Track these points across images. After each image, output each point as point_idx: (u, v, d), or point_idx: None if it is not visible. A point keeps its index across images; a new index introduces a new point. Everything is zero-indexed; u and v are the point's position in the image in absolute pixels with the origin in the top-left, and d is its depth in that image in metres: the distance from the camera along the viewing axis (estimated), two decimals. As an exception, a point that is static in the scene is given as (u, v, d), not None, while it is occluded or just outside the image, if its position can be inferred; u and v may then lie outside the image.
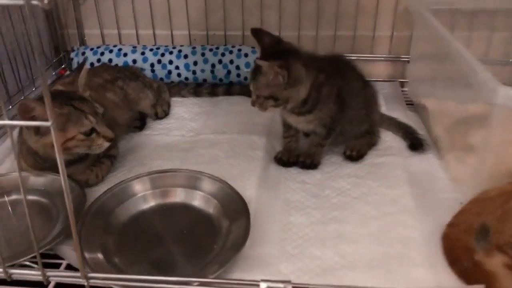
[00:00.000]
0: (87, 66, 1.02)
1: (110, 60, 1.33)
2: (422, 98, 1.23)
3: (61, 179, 0.53)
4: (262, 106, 0.92)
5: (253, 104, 0.94)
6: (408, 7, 1.28)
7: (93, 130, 0.88)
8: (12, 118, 1.14)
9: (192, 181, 0.88)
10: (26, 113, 0.81)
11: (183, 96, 1.31)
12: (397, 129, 1.12)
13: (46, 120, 0.51)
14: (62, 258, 0.78)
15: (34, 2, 0.46)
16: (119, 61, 1.33)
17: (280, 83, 0.89)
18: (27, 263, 0.71)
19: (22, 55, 1.23)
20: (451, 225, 0.79)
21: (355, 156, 1.02)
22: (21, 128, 0.89)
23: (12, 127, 0.56)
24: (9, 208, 0.89)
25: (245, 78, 1.32)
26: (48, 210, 0.87)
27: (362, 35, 1.37)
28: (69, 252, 0.77)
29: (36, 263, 0.73)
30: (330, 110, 0.95)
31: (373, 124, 1.05)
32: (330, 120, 0.97)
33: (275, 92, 0.90)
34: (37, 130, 0.85)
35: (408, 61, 1.38)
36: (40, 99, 0.84)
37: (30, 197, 0.87)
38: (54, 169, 0.90)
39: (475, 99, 0.93)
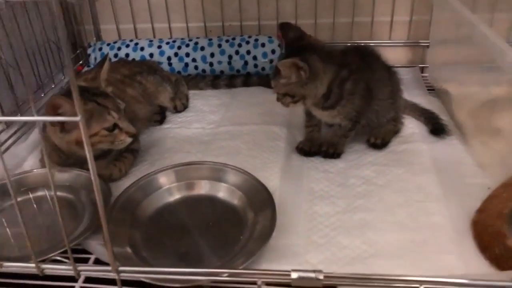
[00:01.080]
0: (100, 60, 1.02)
1: (127, 55, 1.33)
2: (443, 83, 1.21)
3: (91, 174, 0.53)
4: (284, 103, 0.94)
5: (278, 100, 0.96)
6: (427, -10, 1.26)
7: (115, 126, 0.88)
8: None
9: (217, 173, 0.88)
10: (53, 110, 0.81)
11: (201, 89, 1.30)
12: (419, 114, 1.10)
13: (73, 115, 0.53)
14: (89, 253, 0.79)
15: (60, -3, 0.46)
16: (136, 55, 1.33)
17: (296, 81, 0.89)
18: (58, 258, 0.72)
19: (40, 52, 1.24)
20: (480, 211, 0.78)
21: (379, 144, 1.01)
22: (45, 125, 0.90)
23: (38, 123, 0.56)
24: (34, 205, 0.89)
25: (263, 69, 1.31)
26: (73, 206, 0.88)
27: (380, 20, 1.35)
28: (98, 247, 0.78)
29: (66, 258, 0.74)
30: (355, 105, 0.95)
31: (398, 111, 1.04)
32: (355, 114, 0.96)
33: (292, 89, 0.91)
34: (62, 127, 0.86)
35: (427, 46, 1.35)
36: (65, 95, 0.85)
37: (57, 193, 0.88)
38: (78, 165, 0.91)
39: (499, 82, 0.91)
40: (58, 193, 0.89)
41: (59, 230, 0.80)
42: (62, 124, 0.85)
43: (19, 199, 0.88)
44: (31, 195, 0.91)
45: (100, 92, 0.90)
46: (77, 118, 0.52)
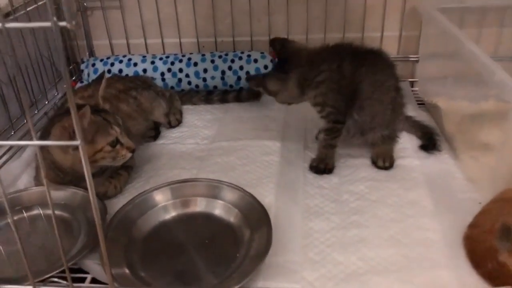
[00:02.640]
0: (96, 77, 1.02)
1: (120, 71, 1.33)
2: (433, 97, 1.24)
3: (90, 194, 0.54)
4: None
5: None
6: (416, 7, 1.28)
7: (117, 141, 0.89)
8: (26, 133, 1.16)
9: (212, 190, 0.89)
10: (67, 131, 0.83)
11: (195, 104, 1.31)
12: (416, 129, 1.12)
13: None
14: (85, 272, 0.79)
15: (62, 24, 0.46)
16: (129, 71, 1.33)
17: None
18: (55, 279, 0.72)
19: (33, 68, 1.24)
20: (472, 226, 0.80)
21: (389, 166, 1.01)
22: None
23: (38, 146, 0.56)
24: (29, 224, 0.89)
25: (256, 84, 1.32)
26: (69, 224, 0.87)
27: (370, 36, 1.38)
28: (95, 266, 0.78)
29: (62, 278, 0.74)
30: (327, 96, 0.96)
31: (394, 131, 1.02)
32: (332, 110, 0.96)
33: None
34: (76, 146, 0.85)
35: (417, 61, 1.38)
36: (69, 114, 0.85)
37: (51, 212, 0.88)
38: (74, 183, 0.91)
39: (486, 97, 0.94)
40: (55, 212, 0.88)
41: (54, 249, 0.81)
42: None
43: (16, 217, 0.88)
44: (25, 214, 0.91)
45: (100, 108, 0.90)
46: (77, 142, 0.52)
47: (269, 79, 1.02)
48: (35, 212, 0.91)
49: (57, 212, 0.89)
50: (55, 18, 0.45)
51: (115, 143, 0.88)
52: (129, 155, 0.91)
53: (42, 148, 0.90)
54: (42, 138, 0.90)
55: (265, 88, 1.02)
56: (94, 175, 0.90)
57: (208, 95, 1.32)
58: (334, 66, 0.96)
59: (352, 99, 0.96)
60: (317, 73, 0.96)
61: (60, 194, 0.91)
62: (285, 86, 1.00)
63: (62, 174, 0.90)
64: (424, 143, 1.07)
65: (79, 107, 0.87)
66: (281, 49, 1.03)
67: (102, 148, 0.87)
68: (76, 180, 0.90)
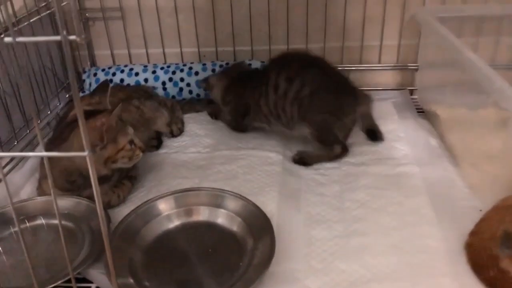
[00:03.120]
0: (97, 85, 1.03)
1: (122, 80, 1.34)
2: (432, 105, 1.25)
3: (97, 204, 0.54)
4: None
5: None
6: (415, 16, 1.30)
7: (132, 141, 0.91)
8: (29, 143, 1.16)
9: (215, 199, 0.90)
10: (99, 130, 0.85)
11: (198, 111, 1.32)
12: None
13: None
14: (89, 281, 0.80)
15: (72, 38, 0.47)
16: (130, 80, 1.34)
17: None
18: (60, 288, 0.72)
19: (36, 78, 1.25)
20: (473, 233, 0.80)
21: (296, 159, 1.09)
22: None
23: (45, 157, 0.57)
24: (33, 234, 0.89)
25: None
26: (73, 234, 0.88)
27: (369, 45, 1.39)
28: (99, 276, 0.78)
29: (67, 288, 0.74)
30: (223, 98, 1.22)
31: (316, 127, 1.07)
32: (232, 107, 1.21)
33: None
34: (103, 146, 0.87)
35: (416, 69, 1.39)
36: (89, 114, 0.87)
37: (55, 221, 0.89)
38: (78, 192, 0.91)
39: (485, 104, 0.95)
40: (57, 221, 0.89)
41: (58, 259, 0.81)
42: (101, 137, 0.86)
43: (17, 228, 0.88)
44: (28, 224, 0.91)
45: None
46: (85, 154, 0.53)
47: (212, 75, 1.26)
48: (38, 222, 0.91)
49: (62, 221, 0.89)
50: (65, 32, 0.46)
51: (132, 142, 0.91)
52: (141, 155, 0.93)
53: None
54: (53, 145, 0.91)
55: (207, 82, 1.24)
56: (104, 180, 0.92)
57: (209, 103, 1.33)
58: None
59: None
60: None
61: (64, 203, 0.91)
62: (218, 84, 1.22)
63: (69, 183, 0.91)
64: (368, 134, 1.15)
65: (94, 112, 0.89)
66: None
67: (123, 147, 0.89)
68: (84, 187, 0.91)
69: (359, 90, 1.15)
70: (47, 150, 0.88)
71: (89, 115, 0.87)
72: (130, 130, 0.92)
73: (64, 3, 1.26)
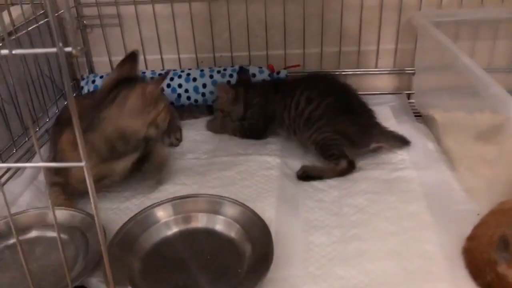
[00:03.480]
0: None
1: (120, 87, 1.34)
2: (429, 109, 1.25)
3: (94, 214, 0.55)
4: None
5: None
6: (411, 20, 1.30)
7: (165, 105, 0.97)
8: (27, 152, 1.17)
9: (213, 205, 0.90)
10: (145, 101, 0.92)
11: (196, 117, 1.32)
12: None
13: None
14: (88, 290, 0.80)
15: (68, 49, 0.48)
16: (129, 87, 1.34)
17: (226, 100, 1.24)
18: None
19: (34, 86, 1.25)
20: (471, 238, 0.80)
21: (300, 174, 1.06)
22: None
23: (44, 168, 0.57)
24: (27, 247, 0.87)
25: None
26: (67, 247, 0.86)
27: (366, 49, 1.40)
28: (98, 284, 0.78)
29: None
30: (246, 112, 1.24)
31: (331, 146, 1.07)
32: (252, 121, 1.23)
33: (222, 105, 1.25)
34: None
35: (413, 73, 1.40)
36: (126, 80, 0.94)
37: (50, 234, 0.89)
38: (121, 158, 0.96)
39: (482, 109, 0.95)
40: (52, 234, 0.88)
41: (55, 271, 0.81)
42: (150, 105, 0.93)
43: (12, 241, 0.87)
44: (21, 237, 0.88)
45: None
46: (82, 164, 0.53)
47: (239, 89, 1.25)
48: (33, 234, 0.90)
49: (55, 234, 0.89)
50: (61, 44, 0.47)
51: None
52: (168, 120, 0.99)
53: (110, 117, 0.92)
54: (99, 107, 0.93)
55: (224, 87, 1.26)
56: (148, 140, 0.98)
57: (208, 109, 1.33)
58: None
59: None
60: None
61: (59, 215, 0.90)
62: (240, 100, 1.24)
63: (110, 151, 0.93)
64: None
65: (129, 79, 0.95)
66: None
67: (162, 110, 0.95)
68: (123, 155, 0.96)
69: (380, 127, 1.12)
70: (89, 114, 0.92)
71: (126, 81, 0.93)
72: (165, 96, 0.98)
73: (60, 12, 1.26)
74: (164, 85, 1.34)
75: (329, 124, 1.07)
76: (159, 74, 1.36)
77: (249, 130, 1.22)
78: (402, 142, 1.12)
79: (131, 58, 1.01)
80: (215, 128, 1.27)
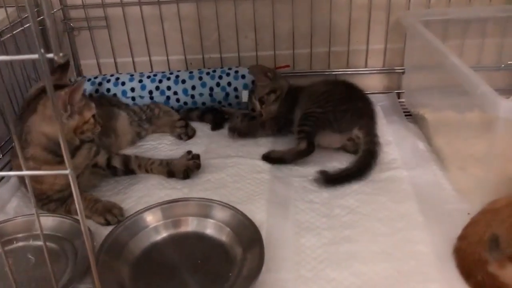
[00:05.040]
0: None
1: (108, 90, 1.33)
2: (419, 108, 1.25)
3: (80, 221, 0.54)
4: (267, 107, 1.23)
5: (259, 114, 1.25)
6: (400, 20, 1.30)
7: (94, 115, 0.97)
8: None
9: (204, 209, 0.89)
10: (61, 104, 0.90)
11: (191, 120, 1.31)
12: None
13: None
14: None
15: (50, 56, 0.47)
16: (117, 90, 1.33)
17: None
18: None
19: (20, 89, 1.24)
20: (462, 238, 0.80)
21: (263, 155, 1.12)
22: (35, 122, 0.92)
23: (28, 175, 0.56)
24: (14, 255, 0.86)
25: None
26: (56, 255, 0.85)
27: (356, 49, 1.40)
28: (87, 291, 0.77)
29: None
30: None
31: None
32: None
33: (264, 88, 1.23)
34: (70, 114, 0.93)
35: (403, 72, 1.40)
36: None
37: (38, 242, 0.87)
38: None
39: (471, 108, 0.95)
40: (41, 242, 0.86)
41: (41, 282, 0.79)
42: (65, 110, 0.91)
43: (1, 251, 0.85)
44: (9, 246, 0.87)
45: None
46: (67, 171, 0.52)
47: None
48: (20, 243, 0.89)
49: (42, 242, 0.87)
50: (42, 50, 0.45)
51: (94, 117, 0.97)
52: (99, 129, 0.99)
53: (34, 125, 0.92)
54: (23, 120, 0.93)
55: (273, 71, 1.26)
56: (77, 149, 0.98)
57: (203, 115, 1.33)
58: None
59: None
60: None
61: (47, 222, 0.89)
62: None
63: (51, 153, 0.92)
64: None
65: (56, 86, 0.91)
66: None
67: (88, 119, 0.95)
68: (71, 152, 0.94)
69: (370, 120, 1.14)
70: (17, 126, 0.93)
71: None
72: (93, 105, 0.97)
73: (42, 17, 1.24)
74: (153, 88, 1.33)
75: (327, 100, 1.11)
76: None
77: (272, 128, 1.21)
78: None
79: (62, 66, 1.01)
80: (244, 130, 1.23)
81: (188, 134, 1.24)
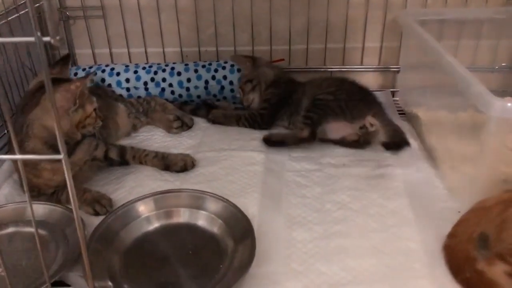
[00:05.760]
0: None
1: (103, 80, 1.33)
2: (413, 107, 1.26)
3: (73, 208, 0.54)
4: (245, 96, 1.26)
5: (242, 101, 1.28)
6: (396, 19, 1.31)
7: (96, 109, 0.98)
8: (6, 144, 1.14)
9: (196, 200, 0.89)
10: (70, 98, 0.91)
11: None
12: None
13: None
14: (67, 285, 0.78)
15: (46, 39, 0.46)
16: (112, 80, 1.33)
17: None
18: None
19: (14, 77, 1.23)
20: (451, 235, 0.81)
21: (264, 137, 1.15)
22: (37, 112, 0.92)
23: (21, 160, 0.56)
24: (4, 242, 0.86)
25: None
26: (46, 242, 0.85)
27: (352, 47, 1.40)
28: (77, 279, 0.77)
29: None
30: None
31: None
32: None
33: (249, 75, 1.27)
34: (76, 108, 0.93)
35: (398, 71, 1.41)
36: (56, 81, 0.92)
37: (28, 229, 0.87)
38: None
39: (464, 107, 0.96)
40: (32, 229, 0.86)
41: (33, 267, 0.79)
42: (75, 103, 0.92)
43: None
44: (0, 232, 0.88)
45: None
46: (60, 156, 0.52)
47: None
48: (10, 230, 0.88)
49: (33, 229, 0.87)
50: (39, 33, 0.45)
51: (96, 110, 0.98)
52: (100, 123, 1.00)
53: (36, 118, 0.91)
54: (24, 113, 0.93)
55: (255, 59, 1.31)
56: (77, 144, 0.98)
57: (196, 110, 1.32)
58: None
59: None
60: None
61: (39, 210, 0.88)
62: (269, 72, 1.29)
63: (52, 147, 0.91)
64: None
65: (58, 80, 0.93)
66: None
67: (90, 114, 0.96)
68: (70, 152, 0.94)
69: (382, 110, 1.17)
70: (18, 118, 0.93)
71: (55, 81, 0.91)
72: (94, 99, 0.98)
73: (41, 3, 1.24)
74: (148, 79, 1.32)
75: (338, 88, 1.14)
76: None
77: (259, 116, 1.22)
78: (399, 139, 1.12)
79: (63, 60, 1.02)
80: (218, 117, 1.26)
81: (188, 125, 1.25)
